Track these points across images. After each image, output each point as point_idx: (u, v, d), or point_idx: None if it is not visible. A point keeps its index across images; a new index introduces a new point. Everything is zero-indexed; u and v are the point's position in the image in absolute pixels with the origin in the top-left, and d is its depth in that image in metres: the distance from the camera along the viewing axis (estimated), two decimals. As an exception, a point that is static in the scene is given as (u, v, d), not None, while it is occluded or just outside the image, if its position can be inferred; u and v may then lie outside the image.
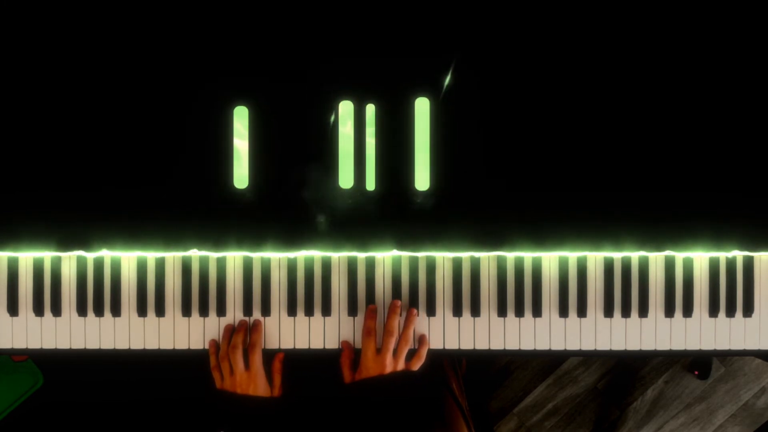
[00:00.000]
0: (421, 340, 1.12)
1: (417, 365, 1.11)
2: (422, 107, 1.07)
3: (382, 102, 1.07)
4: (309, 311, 1.12)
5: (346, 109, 1.07)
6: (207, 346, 1.13)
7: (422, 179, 1.07)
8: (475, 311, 1.12)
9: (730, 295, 1.12)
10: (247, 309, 1.13)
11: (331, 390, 1.13)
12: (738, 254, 1.12)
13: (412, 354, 1.12)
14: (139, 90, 1.08)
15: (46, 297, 1.12)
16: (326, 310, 1.13)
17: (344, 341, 1.13)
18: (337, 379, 1.12)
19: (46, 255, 1.11)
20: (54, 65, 1.08)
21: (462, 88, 1.07)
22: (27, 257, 1.12)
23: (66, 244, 1.08)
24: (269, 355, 1.13)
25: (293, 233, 1.08)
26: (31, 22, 1.07)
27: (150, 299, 1.12)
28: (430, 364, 1.14)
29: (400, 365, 1.10)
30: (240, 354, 1.10)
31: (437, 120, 1.07)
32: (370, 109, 1.07)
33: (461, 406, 1.17)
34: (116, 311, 1.12)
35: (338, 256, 1.12)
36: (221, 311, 1.12)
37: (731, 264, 1.12)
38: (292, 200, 1.07)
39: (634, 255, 1.12)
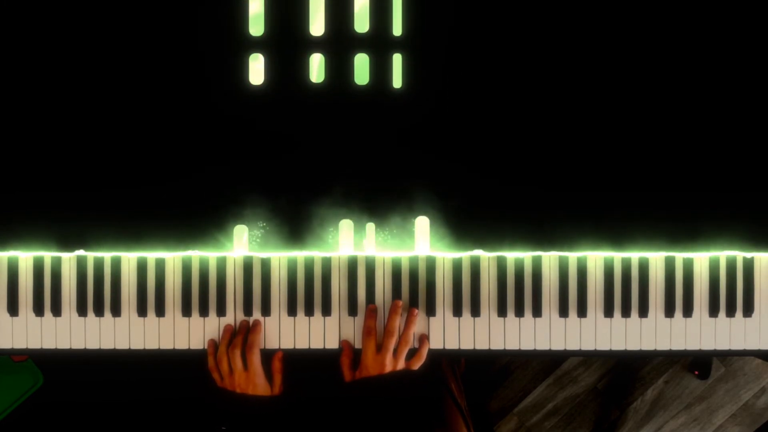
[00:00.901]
0: (421, 339, 1.12)
1: (417, 365, 1.11)
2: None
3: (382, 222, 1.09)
4: (309, 311, 1.12)
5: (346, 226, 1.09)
6: (207, 347, 1.13)
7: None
8: (475, 311, 1.12)
9: (730, 295, 1.12)
10: (247, 309, 1.13)
11: (331, 390, 1.13)
12: (738, 254, 1.12)
13: (413, 353, 1.12)
14: (140, 91, 1.08)
15: (46, 297, 1.12)
16: (326, 310, 1.13)
17: (344, 341, 1.13)
18: (338, 379, 1.12)
19: (46, 255, 1.11)
20: (57, 66, 1.08)
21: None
22: (27, 257, 1.12)
23: (66, 244, 1.08)
24: (269, 356, 1.13)
25: (293, 233, 1.08)
26: (30, 25, 1.07)
27: (150, 299, 1.12)
28: (429, 364, 1.13)
29: (400, 365, 1.10)
30: (238, 354, 1.10)
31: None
32: (371, 228, 1.09)
33: (460, 406, 1.17)
34: (116, 311, 1.12)
35: (338, 256, 1.12)
36: (221, 311, 1.12)
37: (731, 264, 1.12)
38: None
39: (634, 255, 1.12)
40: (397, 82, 1.08)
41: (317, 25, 1.06)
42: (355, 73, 1.07)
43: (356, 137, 1.08)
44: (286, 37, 1.06)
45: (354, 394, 1.09)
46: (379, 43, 1.07)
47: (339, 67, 1.07)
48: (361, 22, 1.07)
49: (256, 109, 1.07)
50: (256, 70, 1.07)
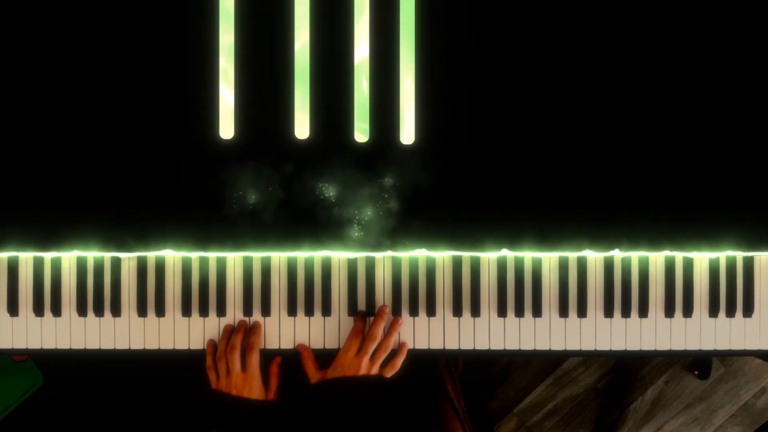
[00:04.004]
0: (399, 349, 1.12)
1: (390, 373, 1.10)
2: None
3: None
4: (309, 311, 1.12)
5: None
6: (206, 346, 1.13)
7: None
8: (475, 311, 1.12)
9: (730, 295, 1.12)
10: (247, 309, 1.13)
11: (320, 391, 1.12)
12: (738, 254, 1.12)
13: (391, 357, 1.11)
14: (138, 89, 1.08)
15: (46, 297, 1.12)
16: (326, 310, 1.13)
17: (299, 345, 1.12)
18: (305, 381, 1.12)
19: (46, 255, 1.11)
20: (53, 64, 1.08)
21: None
22: (27, 257, 1.12)
23: (66, 244, 1.08)
24: (267, 358, 1.13)
25: (293, 232, 1.08)
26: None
27: (150, 299, 1.12)
28: (427, 364, 1.13)
29: (375, 370, 1.09)
30: (238, 355, 1.10)
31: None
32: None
33: (456, 408, 1.17)
34: (116, 311, 1.12)
35: (338, 256, 1.12)
36: (221, 311, 1.12)
37: (731, 264, 1.12)
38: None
39: (634, 255, 1.12)
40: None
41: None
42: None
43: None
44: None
45: (322, 394, 1.08)
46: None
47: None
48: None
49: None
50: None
